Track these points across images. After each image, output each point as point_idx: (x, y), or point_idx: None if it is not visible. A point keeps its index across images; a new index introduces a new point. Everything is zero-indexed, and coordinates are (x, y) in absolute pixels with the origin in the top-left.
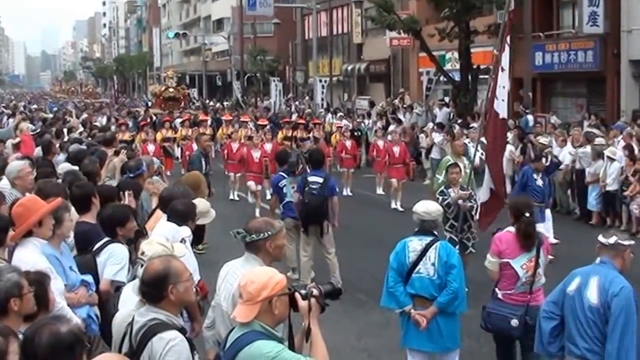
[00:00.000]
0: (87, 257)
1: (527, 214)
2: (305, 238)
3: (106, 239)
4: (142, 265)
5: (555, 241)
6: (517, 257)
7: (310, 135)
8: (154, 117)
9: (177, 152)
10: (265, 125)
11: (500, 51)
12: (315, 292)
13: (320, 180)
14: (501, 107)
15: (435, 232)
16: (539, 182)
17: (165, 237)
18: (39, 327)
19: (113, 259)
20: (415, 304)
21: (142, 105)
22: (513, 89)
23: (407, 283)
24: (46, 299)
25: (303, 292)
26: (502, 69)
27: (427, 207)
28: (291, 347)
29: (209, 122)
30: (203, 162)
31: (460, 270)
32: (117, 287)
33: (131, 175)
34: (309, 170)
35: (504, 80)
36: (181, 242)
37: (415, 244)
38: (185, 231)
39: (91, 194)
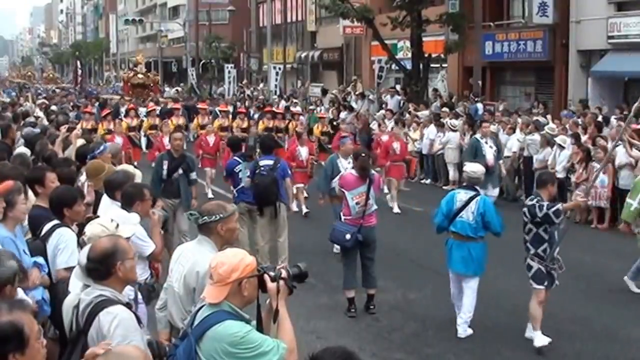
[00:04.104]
0: (37, 241)
1: (363, 154)
2: (262, 222)
3: (54, 222)
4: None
5: None
6: (350, 190)
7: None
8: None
9: (144, 141)
10: (246, 113)
11: None
12: (284, 274)
13: (271, 162)
14: None
15: (477, 188)
16: None
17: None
18: None
19: (61, 246)
20: (454, 238)
21: (108, 92)
22: (463, 77)
23: (451, 223)
24: None
25: (272, 274)
26: None
27: (474, 168)
28: (259, 327)
29: (180, 111)
30: (165, 167)
31: (494, 217)
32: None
33: (98, 152)
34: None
35: None
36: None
37: (462, 195)
38: (135, 218)
39: (32, 181)
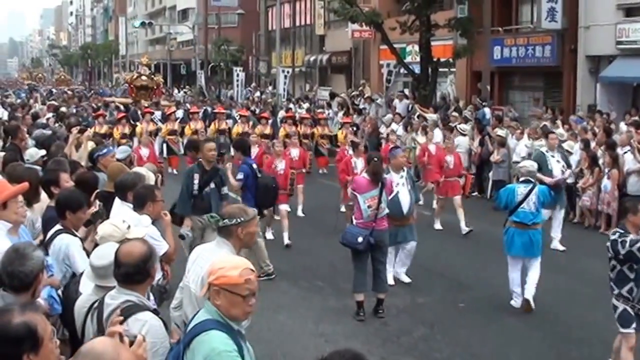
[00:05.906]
0: (40, 246)
1: (376, 159)
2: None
3: (56, 228)
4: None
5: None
6: (363, 193)
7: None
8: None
9: (157, 147)
10: (268, 119)
11: None
12: None
13: (255, 166)
14: None
15: (533, 180)
16: None
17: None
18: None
19: (69, 253)
20: (516, 227)
21: (118, 95)
22: (472, 82)
23: (513, 213)
24: None
25: None
26: None
27: (528, 163)
28: None
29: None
30: (196, 181)
31: (548, 199)
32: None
33: (100, 154)
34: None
35: None
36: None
37: (522, 189)
38: (146, 220)
39: (48, 182)
